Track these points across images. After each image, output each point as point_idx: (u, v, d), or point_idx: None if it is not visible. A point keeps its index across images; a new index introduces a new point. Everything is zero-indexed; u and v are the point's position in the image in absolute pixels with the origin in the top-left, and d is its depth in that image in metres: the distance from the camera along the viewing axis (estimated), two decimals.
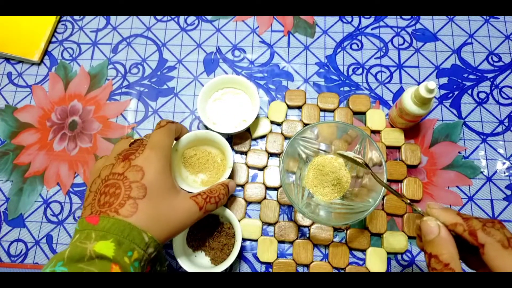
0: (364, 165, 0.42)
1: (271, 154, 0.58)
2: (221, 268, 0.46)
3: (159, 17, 0.67)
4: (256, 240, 0.54)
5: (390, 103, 0.60)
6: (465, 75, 0.61)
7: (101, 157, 0.44)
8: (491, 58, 0.61)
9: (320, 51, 0.63)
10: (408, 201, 0.38)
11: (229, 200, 0.55)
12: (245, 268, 0.53)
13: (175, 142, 0.53)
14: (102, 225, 0.33)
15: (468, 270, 0.34)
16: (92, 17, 0.68)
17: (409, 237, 0.53)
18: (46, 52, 0.66)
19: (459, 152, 0.57)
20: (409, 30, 0.64)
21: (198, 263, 0.50)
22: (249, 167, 0.57)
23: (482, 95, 0.59)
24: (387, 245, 0.52)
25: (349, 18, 0.65)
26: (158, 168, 0.37)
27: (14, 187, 0.59)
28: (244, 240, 0.54)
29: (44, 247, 0.56)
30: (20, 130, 0.62)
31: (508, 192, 0.55)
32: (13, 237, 0.57)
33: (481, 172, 0.56)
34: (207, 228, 0.51)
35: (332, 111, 0.59)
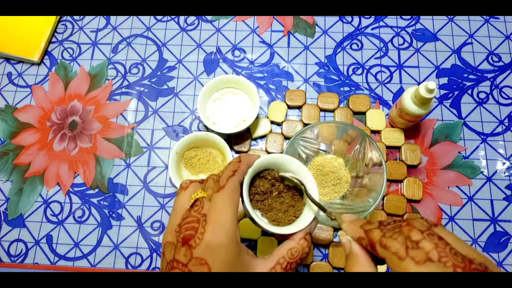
0: (300, 185, 0.40)
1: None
2: (283, 230, 0.37)
3: (159, 17, 0.67)
4: (256, 240, 0.54)
5: (390, 103, 0.60)
6: (465, 75, 0.61)
7: (183, 186, 0.37)
8: (491, 58, 0.61)
9: (320, 51, 0.63)
10: (333, 218, 0.36)
11: None
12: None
13: (176, 144, 0.53)
14: None
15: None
16: (92, 17, 0.68)
17: None
18: (46, 52, 0.66)
19: (459, 152, 0.57)
20: (409, 30, 0.64)
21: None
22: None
23: (482, 95, 0.59)
24: None
25: (349, 18, 0.65)
26: (224, 259, 0.30)
27: (14, 187, 0.59)
28: (244, 240, 0.54)
29: (44, 247, 0.56)
30: (20, 130, 0.62)
31: (508, 192, 0.55)
32: (13, 237, 0.57)
33: (481, 172, 0.56)
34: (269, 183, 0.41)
35: (332, 111, 0.59)
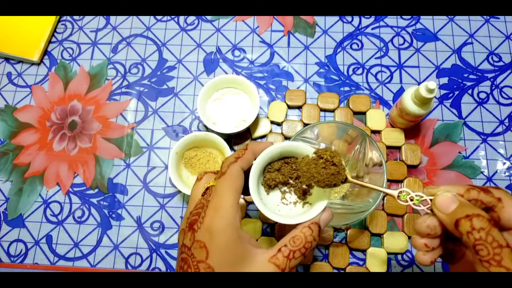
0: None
1: None
2: (289, 220, 0.35)
3: (159, 17, 0.67)
4: (256, 240, 0.53)
5: (390, 103, 0.59)
6: (465, 75, 0.61)
7: (198, 177, 0.38)
8: (491, 58, 0.61)
9: (320, 51, 0.63)
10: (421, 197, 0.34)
11: None
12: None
13: (176, 144, 0.53)
14: None
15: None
16: (92, 17, 0.68)
17: (409, 237, 0.53)
18: (46, 52, 0.66)
19: (459, 152, 0.57)
20: (409, 30, 0.64)
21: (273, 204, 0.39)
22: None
23: (483, 95, 0.59)
24: (387, 245, 0.52)
25: (349, 18, 0.65)
26: (222, 243, 0.31)
27: (14, 187, 0.59)
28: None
29: (44, 247, 0.56)
30: (20, 130, 0.62)
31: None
32: (13, 237, 0.57)
33: (482, 172, 0.56)
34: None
35: (332, 111, 0.59)
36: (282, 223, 0.35)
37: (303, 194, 0.39)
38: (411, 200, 0.33)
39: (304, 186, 0.39)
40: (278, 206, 0.39)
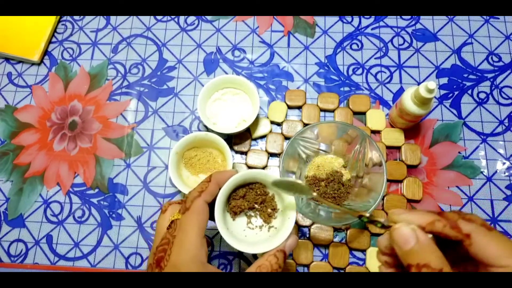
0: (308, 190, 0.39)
1: (271, 154, 0.58)
2: (254, 250, 0.36)
3: (159, 17, 0.67)
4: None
5: (390, 103, 0.60)
6: (465, 75, 0.61)
7: (163, 209, 0.38)
8: (491, 58, 0.61)
9: (320, 51, 0.63)
10: (367, 215, 0.33)
11: None
12: (245, 268, 0.53)
13: (176, 144, 0.53)
14: None
15: None
16: (92, 17, 0.68)
17: None
18: (46, 52, 0.66)
19: (459, 152, 0.57)
20: (409, 30, 0.64)
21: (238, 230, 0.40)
22: (249, 167, 0.57)
23: (482, 95, 0.59)
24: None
25: (349, 18, 0.65)
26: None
27: (14, 187, 0.59)
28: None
29: (44, 247, 0.56)
30: (20, 130, 0.62)
31: (508, 192, 0.55)
32: (13, 237, 0.57)
33: (481, 172, 0.56)
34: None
35: (332, 111, 0.59)
36: (245, 252, 0.36)
37: (269, 217, 0.40)
38: (375, 224, 0.32)
39: (269, 210, 0.40)
40: (245, 231, 0.40)
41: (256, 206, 0.40)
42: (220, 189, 0.37)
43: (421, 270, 0.25)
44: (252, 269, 0.34)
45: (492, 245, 0.25)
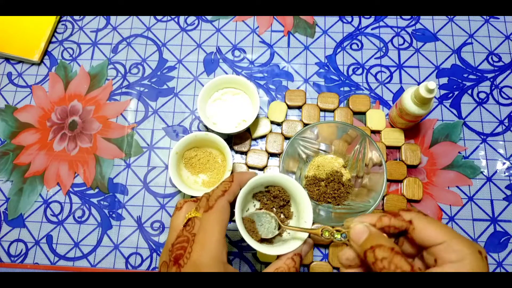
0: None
1: (271, 154, 0.58)
2: (273, 251, 0.37)
3: (159, 17, 0.67)
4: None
5: (390, 103, 0.60)
6: (465, 75, 0.61)
7: (178, 206, 0.38)
8: (491, 58, 0.61)
9: (320, 51, 0.63)
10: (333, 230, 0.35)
11: None
12: (245, 268, 0.53)
13: (176, 144, 0.53)
14: None
15: None
16: (92, 17, 0.68)
17: None
18: (46, 52, 0.66)
19: (459, 152, 0.57)
20: (409, 30, 0.64)
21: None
22: (249, 167, 0.57)
23: (482, 95, 0.59)
24: None
25: (349, 18, 0.65)
26: None
27: (14, 187, 0.59)
28: (244, 240, 0.54)
29: (44, 247, 0.56)
30: (20, 130, 0.62)
31: (508, 192, 0.55)
32: (13, 237, 0.57)
33: (481, 172, 0.56)
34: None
35: (332, 111, 0.59)
36: (266, 254, 0.36)
37: (282, 223, 0.40)
38: (333, 235, 0.34)
39: (282, 216, 0.41)
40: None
41: (274, 210, 0.41)
42: (240, 189, 0.37)
43: (375, 251, 0.28)
44: (270, 270, 0.34)
45: (430, 227, 0.29)
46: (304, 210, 0.39)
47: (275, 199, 0.41)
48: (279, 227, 0.39)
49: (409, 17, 0.64)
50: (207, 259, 0.31)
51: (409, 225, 0.30)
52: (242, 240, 0.51)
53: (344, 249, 0.32)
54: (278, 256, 0.36)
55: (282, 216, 0.41)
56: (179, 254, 0.33)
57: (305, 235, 0.37)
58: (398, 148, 0.57)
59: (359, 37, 0.64)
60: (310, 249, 0.38)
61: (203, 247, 0.32)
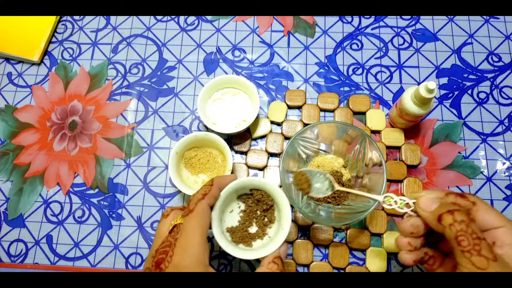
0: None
1: (271, 154, 0.58)
2: (250, 255, 0.37)
3: (159, 17, 0.67)
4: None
5: (390, 103, 0.60)
6: (465, 75, 0.61)
7: (164, 214, 0.38)
8: (491, 58, 0.61)
9: (320, 51, 0.63)
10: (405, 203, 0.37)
11: None
12: (245, 268, 0.53)
13: (176, 144, 0.53)
14: None
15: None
16: (92, 17, 0.68)
17: None
18: (46, 52, 0.66)
19: (459, 152, 0.57)
20: (409, 30, 0.64)
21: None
22: (249, 167, 0.57)
23: (482, 95, 0.59)
24: (387, 245, 0.52)
25: (349, 18, 0.65)
26: None
27: (14, 187, 0.59)
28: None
29: (44, 247, 0.56)
30: (20, 130, 0.62)
31: (508, 192, 0.55)
32: (13, 237, 0.57)
33: (481, 172, 0.56)
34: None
35: (332, 111, 0.59)
36: (242, 259, 0.37)
37: (264, 226, 0.41)
38: (396, 203, 0.36)
39: (265, 220, 0.41)
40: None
41: (258, 212, 0.41)
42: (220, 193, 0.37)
43: (454, 213, 0.29)
44: None
45: (492, 212, 0.32)
46: (283, 216, 0.39)
47: (258, 202, 0.41)
48: (332, 189, 0.41)
49: (409, 17, 0.64)
50: (188, 262, 0.31)
51: (473, 206, 0.32)
52: None
53: (407, 217, 0.34)
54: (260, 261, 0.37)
55: (265, 219, 0.42)
56: (161, 259, 0.33)
57: (283, 239, 0.37)
58: (398, 148, 0.57)
59: (359, 37, 0.64)
60: (287, 252, 0.39)
61: (184, 250, 0.32)
